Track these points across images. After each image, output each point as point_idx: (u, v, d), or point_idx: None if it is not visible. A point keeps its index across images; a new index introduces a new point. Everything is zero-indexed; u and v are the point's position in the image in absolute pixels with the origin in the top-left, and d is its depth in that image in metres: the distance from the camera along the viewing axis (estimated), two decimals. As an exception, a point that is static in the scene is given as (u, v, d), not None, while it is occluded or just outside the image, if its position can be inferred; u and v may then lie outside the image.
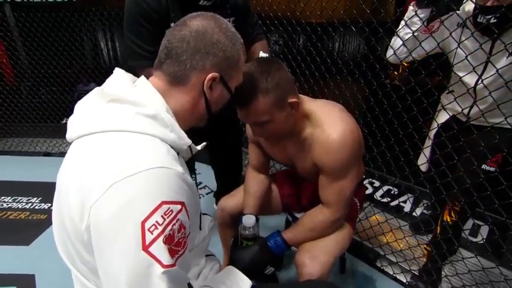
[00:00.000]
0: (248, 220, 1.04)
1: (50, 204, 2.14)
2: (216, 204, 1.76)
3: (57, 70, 3.08)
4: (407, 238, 1.57)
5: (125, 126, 0.60)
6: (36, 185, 2.35)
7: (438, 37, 1.31)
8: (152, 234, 0.53)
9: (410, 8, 1.31)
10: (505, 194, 1.17)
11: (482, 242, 1.63)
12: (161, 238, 0.54)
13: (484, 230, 1.86)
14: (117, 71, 0.70)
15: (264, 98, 0.87)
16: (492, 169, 1.31)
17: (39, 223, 1.96)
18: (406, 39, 1.35)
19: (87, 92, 0.69)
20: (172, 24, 1.15)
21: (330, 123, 0.95)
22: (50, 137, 3.07)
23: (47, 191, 2.19)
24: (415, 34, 1.33)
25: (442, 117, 1.49)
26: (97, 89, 0.69)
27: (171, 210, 0.55)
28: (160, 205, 0.54)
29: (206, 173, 2.24)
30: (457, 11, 1.28)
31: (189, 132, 0.69)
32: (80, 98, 0.69)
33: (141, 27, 1.17)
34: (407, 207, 2.13)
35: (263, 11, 2.03)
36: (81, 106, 0.68)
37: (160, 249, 0.54)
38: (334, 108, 1.02)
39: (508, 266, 1.53)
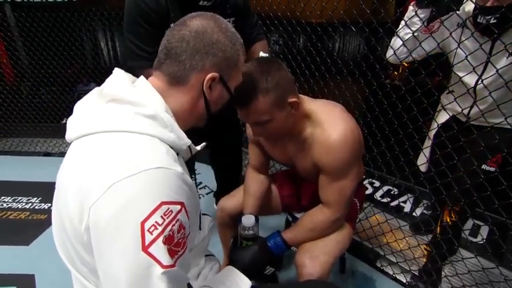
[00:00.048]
0: (248, 220, 1.04)
1: (50, 204, 2.14)
2: (216, 204, 1.76)
3: (57, 70, 3.08)
4: (407, 238, 1.57)
5: (124, 126, 0.60)
6: (36, 185, 2.35)
7: (438, 37, 1.31)
8: (152, 234, 0.53)
9: (410, 8, 1.31)
10: (505, 194, 1.17)
11: (482, 242, 1.63)
12: (161, 238, 0.54)
13: (484, 230, 1.85)
14: (117, 71, 0.70)
15: (264, 98, 0.87)
16: (492, 169, 1.31)
17: (39, 223, 1.96)
18: (406, 39, 1.35)
19: (87, 92, 0.69)
20: (172, 25, 1.15)
21: (330, 123, 0.95)
22: (50, 137, 3.06)
23: (47, 191, 2.17)
24: (415, 34, 1.32)
25: (442, 117, 1.49)
26: (96, 89, 0.69)
27: (171, 211, 0.55)
28: (159, 205, 0.54)
29: (206, 173, 2.24)
30: (457, 11, 1.28)
31: (189, 133, 0.69)
32: (80, 98, 0.69)
33: (140, 27, 1.17)
34: (407, 208, 2.13)
35: (263, 11, 2.03)
36: (81, 106, 0.68)
37: (160, 249, 0.54)
38: (334, 108, 1.02)
39: (508, 267, 1.53)
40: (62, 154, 0.58)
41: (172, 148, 0.64)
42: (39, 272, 1.58)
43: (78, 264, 0.64)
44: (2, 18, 2.96)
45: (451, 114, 1.41)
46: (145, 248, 0.53)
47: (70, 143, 0.66)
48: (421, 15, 1.29)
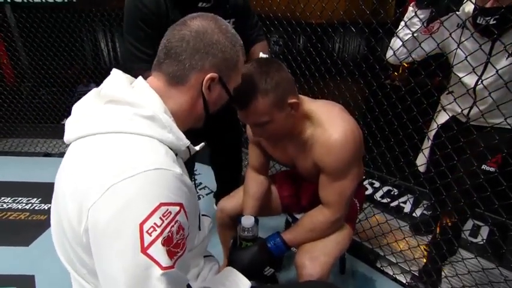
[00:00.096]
0: (247, 221, 1.04)
1: (49, 205, 2.11)
2: (216, 204, 1.76)
3: (58, 71, 3.08)
4: (407, 239, 1.57)
5: (122, 127, 0.60)
6: (36, 186, 2.35)
7: (438, 38, 1.31)
8: (151, 236, 0.53)
9: (410, 8, 1.31)
10: (505, 195, 1.17)
11: (482, 242, 1.63)
12: (160, 240, 0.54)
13: (484, 231, 1.85)
14: (115, 72, 0.70)
15: (263, 99, 0.87)
16: (492, 169, 1.31)
17: (39, 224, 1.96)
18: (406, 40, 1.35)
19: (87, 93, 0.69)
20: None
21: (330, 123, 0.95)
22: (50, 138, 3.07)
23: (47, 191, 2.16)
24: (415, 35, 1.32)
25: (442, 117, 1.49)
26: (94, 90, 0.69)
27: (170, 212, 0.55)
28: (158, 207, 0.54)
29: (206, 174, 2.24)
30: (457, 12, 1.28)
31: (188, 133, 0.69)
32: (80, 98, 0.69)
33: (139, 30, 1.17)
34: (407, 208, 2.13)
35: (263, 11, 2.03)
36: (79, 108, 0.68)
37: (158, 251, 0.54)
38: (334, 108, 1.02)
39: (508, 267, 1.53)
40: (62, 155, 0.58)
41: (171, 149, 0.63)
42: (39, 272, 1.58)
43: (77, 265, 0.64)
44: (3, 18, 2.96)
45: (450, 115, 1.41)
46: (144, 250, 0.53)
47: (69, 145, 0.66)
48: (421, 16, 1.29)
